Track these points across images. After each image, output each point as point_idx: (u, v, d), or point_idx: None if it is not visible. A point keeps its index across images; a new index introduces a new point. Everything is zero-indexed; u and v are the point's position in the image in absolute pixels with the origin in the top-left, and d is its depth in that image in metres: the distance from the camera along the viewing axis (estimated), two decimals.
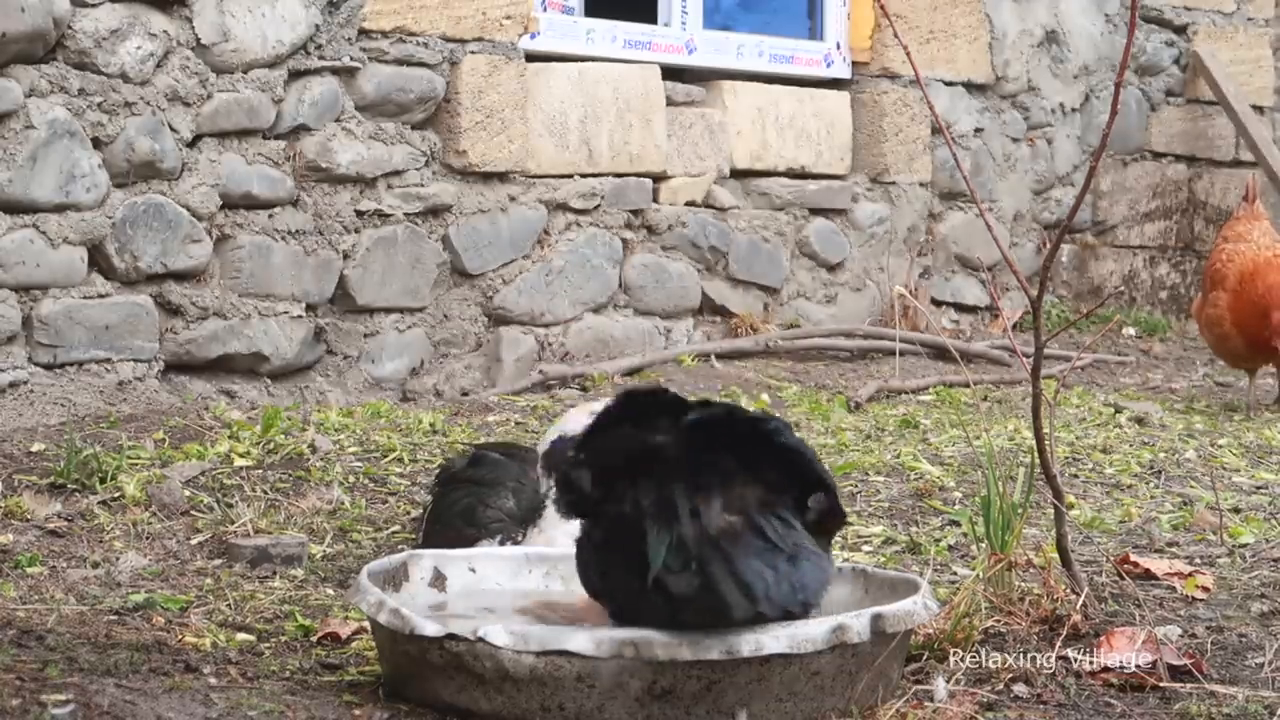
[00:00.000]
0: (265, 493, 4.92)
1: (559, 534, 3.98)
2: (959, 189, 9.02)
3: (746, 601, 3.04)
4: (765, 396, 7.02)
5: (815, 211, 8.48)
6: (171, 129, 6.33)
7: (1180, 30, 10.09)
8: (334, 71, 6.80)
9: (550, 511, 4.06)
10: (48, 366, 6.11)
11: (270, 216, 6.65)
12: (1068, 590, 3.83)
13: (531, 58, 7.45)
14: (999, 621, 3.74)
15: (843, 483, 5.35)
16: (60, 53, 6.09)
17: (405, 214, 7.02)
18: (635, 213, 7.81)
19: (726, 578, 3.04)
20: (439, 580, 3.75)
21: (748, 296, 8.21)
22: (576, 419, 4.04)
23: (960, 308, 9.20)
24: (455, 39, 7.12)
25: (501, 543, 4.08)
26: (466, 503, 4.24)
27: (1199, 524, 4.94)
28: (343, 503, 4.92)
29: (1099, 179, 9.70)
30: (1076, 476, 5.65)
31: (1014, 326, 8.93)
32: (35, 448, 5.11)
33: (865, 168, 8.70)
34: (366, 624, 3.74)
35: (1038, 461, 3.96)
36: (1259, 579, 4.32)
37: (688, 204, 7.98)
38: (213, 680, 3.40)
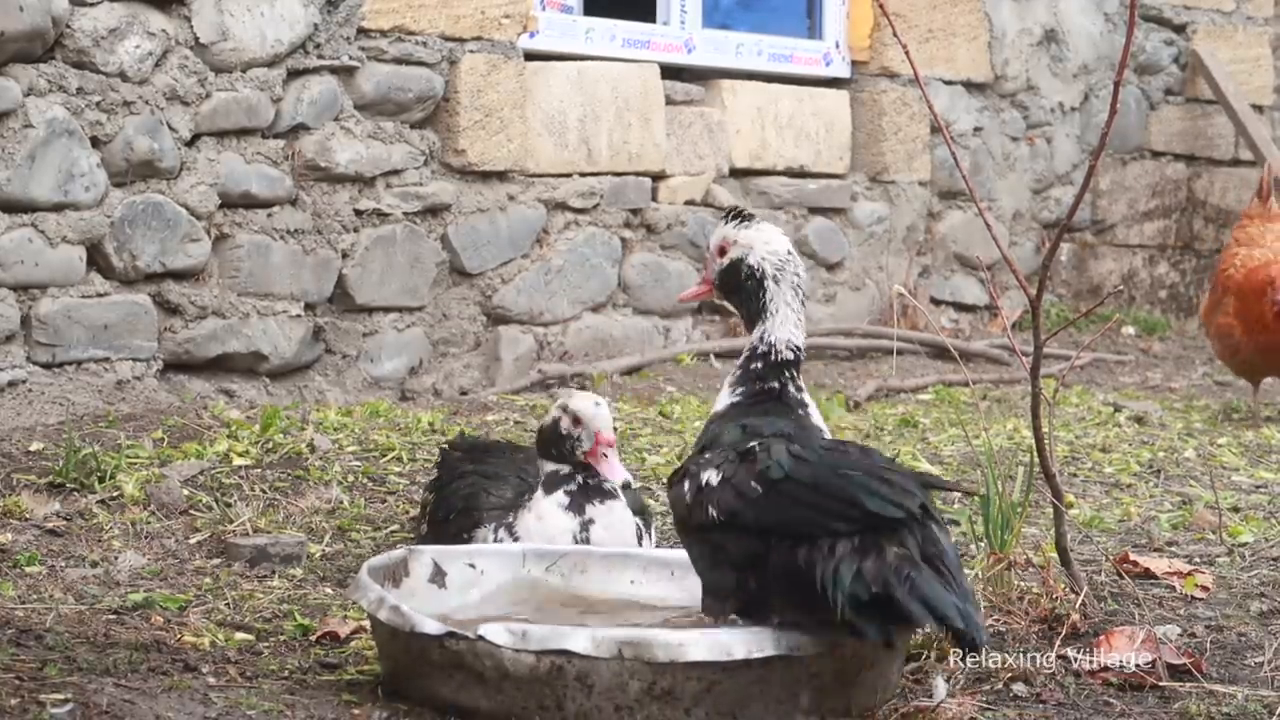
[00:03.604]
0: (264, 492, 4.92)
1: (547, 504, 4.08)
2: (958, 188, 9.01)
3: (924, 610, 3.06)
4: None
5: (814, 211, 8.47)
6: (170, 128, 6.32)
7: (1180, 29, 10.09)
8: (333, 70, 6.79)
9: (539, 492, 4.11)
10: (46, 366, 6.10)
11: (269, 215, 6.64)
12: (1067, 589, 3.83)
13: (530, 57, 7.45)
14: (998, 621, 3.74)
15: None
16: (59, 52, 6.08)
17: (404, 213, 7.02)
18: (634, 212, 7.80)
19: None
20: (439, 576, 3.75)
21: None
22: (586, 406, 4.10)
23: (959, 307, 9.20)
24: (454, 38, 7.11)
25: (495, 530, 4.11)
26: (470, 491, 4.29)
27: (1198, 523, 4.94)
28: (341, 502, 4.92)
29: (1098, 178, 9.69)
30: (1076, 476, 5.65)
31: (1013, 325, 8.92)
32: (34, 447, 5.11)
33: (864, 167, 8.70)
34: (365, 623, 3.74)
35: (1037, 461, 3.96)
36: (1258, 578, 4.32)
37: (687, 203, 7.98)
38: (211, 679, 3.40)
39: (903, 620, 3.06)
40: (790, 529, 3.19)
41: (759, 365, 3.49)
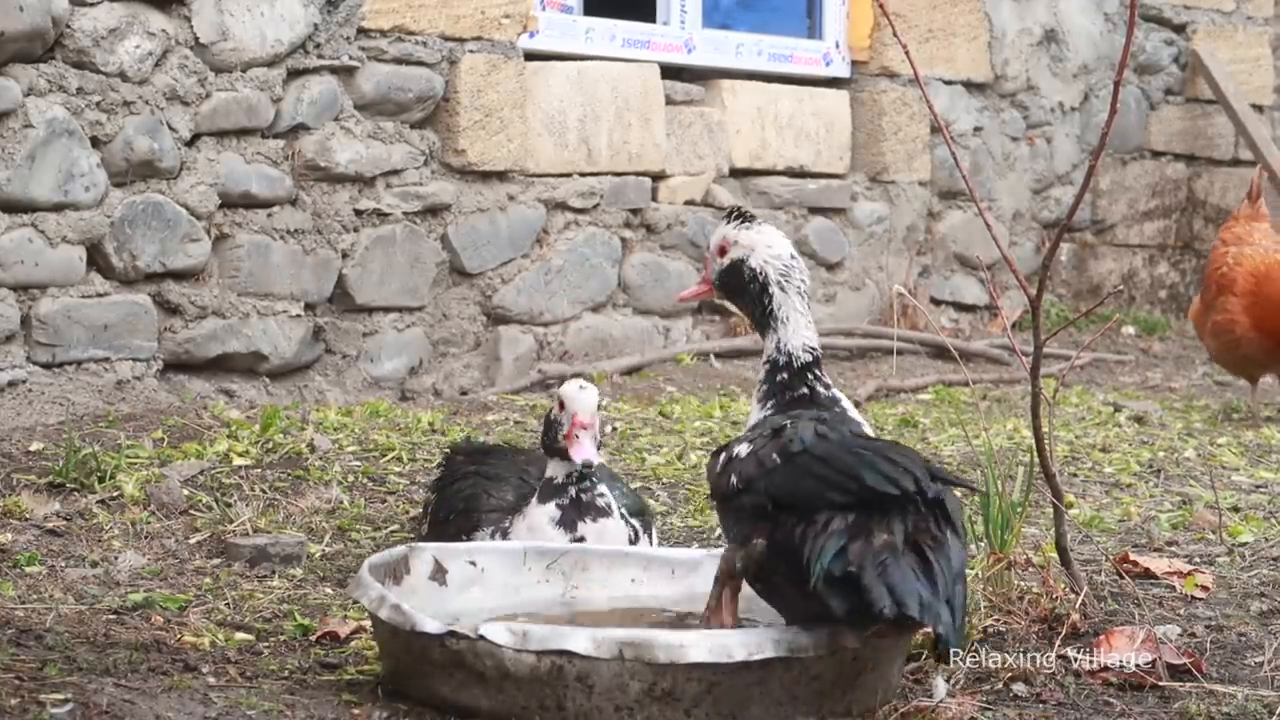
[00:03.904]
0: (264, 492, 4.92)
1: (539, 515, 4.06)
2: (958, 188, 9.01)
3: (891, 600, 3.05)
4: None
5: (814, 210, 8.47)
6: (170, 128, 6.32)
7: (1180, 29, 10.09)
8: (333, 70, 6.79)
9: (534, 500, 4.09)
10: (46, 366, 6.10)
11: (269, 215, 6.65)
12: (1067, 589, 3.83)
13: (530, 56, 7.45)
14: (998, 621, 3.74)
15: None
16: (59, 52, 6.08)
17: (404, 213, 7.02)
18: (634, 212, 7.80)
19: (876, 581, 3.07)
20: (439, 573, 3.75)
21: None
22: (570, 390, 4.08)
23: (959, 307, 9.20)
24: (454, 38, 7.12)
25: (492, 535, 4.11)
26: (471, 492, 4.28)
27: (1198, 523, 4.94)
28: (341, 502, 4.92)
29: (1098, 178, 9.70)
30: (1076, 475, 5.65)
31: (1013, 325, 8.92)
32: (34, 447, 5.11)
33: (864, 167, 8.70)
34: (365, 623, 3.74)
35: (1037, 460, 3.96)
36: (1258, 578, 4.32)
37: (687, 203, 7.98)
38: (211, 680, 3.40)
39: (865, 601, 3.06)
40: (796, 499, 3.23)
41: (784, 375, 3.53)
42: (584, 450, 4.01)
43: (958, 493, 3.42)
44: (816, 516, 3.18)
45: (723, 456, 3.44)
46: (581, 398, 4.06)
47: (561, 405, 4.08)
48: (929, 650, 3.52)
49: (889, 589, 3.05)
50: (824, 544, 3.13)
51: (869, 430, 3.51)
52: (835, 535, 3.14)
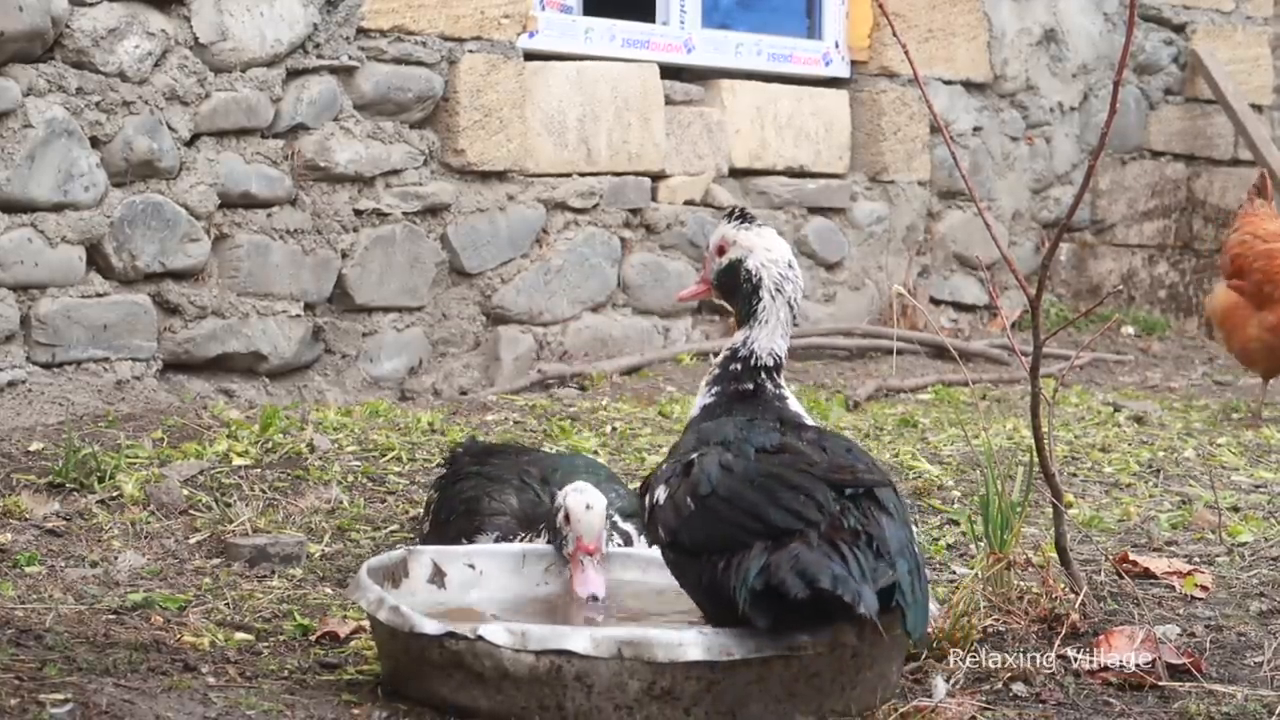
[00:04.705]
0: (264, 492, 4.92)
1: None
2: (958, 188, 9.01)
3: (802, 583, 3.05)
4: None
5: (814, 210, 8.48)
6: (170, 128, 6.32)
7: (1179, 29, 10.09)
8: (332, 70, 6.79)
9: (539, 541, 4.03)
10: (46, 366, 6.10)
11: (269, 215, 6.65)
12: (1066, 589, 3.84)
13: (530, 56, 7.45)
14: (998, 621, 3.75)
15: None
16: (58, 52, 6.08)
17: (404, 213, 7.02)
18: (634, 212, 7.80)
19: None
20: (438, 576, 3.76)
21: None
22: (576, 508, 3.83)
23: (959, 307, 9.20)
24: (453, 38, 7.12)
25: (496, 540, 4.09)
26: (472, 494, 4.27)
27: (1198, 523, 4.95)
28: (341, 502, 4.92)
29: (1098, 178, 9.69)
30: (1075, 475, 5.65)
31: (1013, 325, 8.92)
32: (33, 447, 5.11)
33: (864, 167, 8.70)
34: (364, 623, 3.74)
35: (1036, 460, 3.96)
36: (1258, 578, 4.32)
37: (686, 203, 7.98)
38: (211, 679, 3.40)
39: (784, 598, 3.06)
40: (715, 544, 3.24)
41: (737, 367, 3.54)
42: (589, 584, 3.76)
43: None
44: (738, 551, 3.19)
45: (647, 501, 3.41)
46: (588, 519, 3.77)
47: (567, 518, 3.80)
48: (936, 648, 3.53)
49: (800, 574, 3.06)
50: (747, 566, 3.14)
51: (809, 421, 3.50)
52: (756, 557, 3.15)
